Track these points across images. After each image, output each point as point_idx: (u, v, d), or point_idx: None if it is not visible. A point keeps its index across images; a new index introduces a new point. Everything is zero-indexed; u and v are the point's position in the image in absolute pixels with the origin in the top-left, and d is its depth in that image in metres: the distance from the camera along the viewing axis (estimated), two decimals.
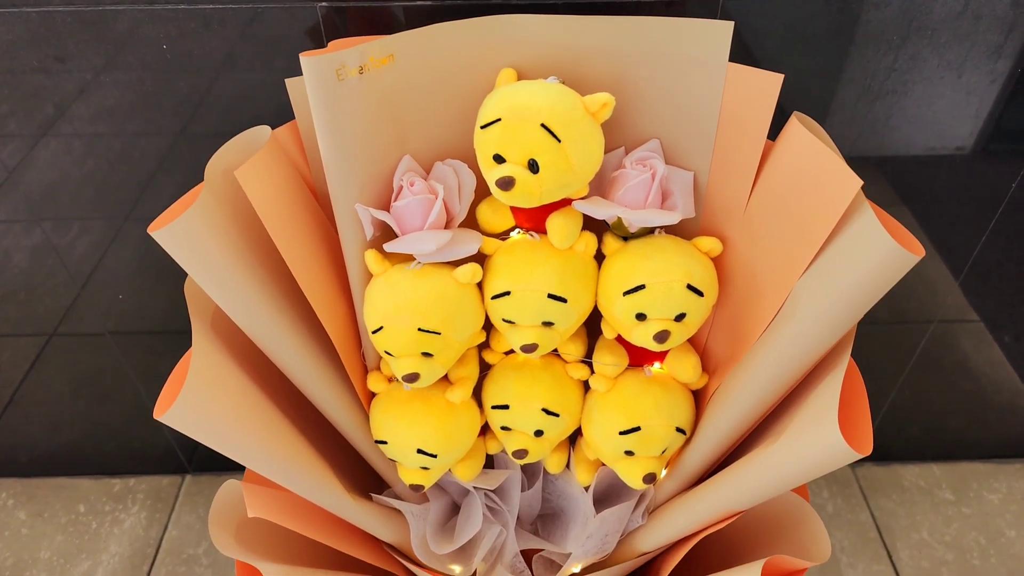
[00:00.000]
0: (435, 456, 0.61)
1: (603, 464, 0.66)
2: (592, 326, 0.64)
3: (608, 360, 0.62)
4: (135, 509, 1.23)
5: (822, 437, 0.48)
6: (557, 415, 0.62)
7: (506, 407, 0.63)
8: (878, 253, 0.46)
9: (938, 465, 1.27)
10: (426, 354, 0.57)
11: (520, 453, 0.63)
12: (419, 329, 0.55)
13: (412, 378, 0.57)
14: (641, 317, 0.56)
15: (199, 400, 0.52)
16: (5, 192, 0.92)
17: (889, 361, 1.19)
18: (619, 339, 0.62)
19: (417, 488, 0.64)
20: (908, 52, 0.77)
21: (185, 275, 0.58)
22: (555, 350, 0.63)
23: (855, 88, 0.80)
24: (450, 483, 0.71)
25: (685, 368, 0.62)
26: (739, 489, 0.56)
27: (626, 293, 0.56)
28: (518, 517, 0.71)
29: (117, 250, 0.99)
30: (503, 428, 0.64)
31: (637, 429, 0.60)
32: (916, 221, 0.98)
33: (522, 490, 0.69)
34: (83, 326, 1.13)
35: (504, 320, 0.58)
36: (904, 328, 1.16)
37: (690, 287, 0.55)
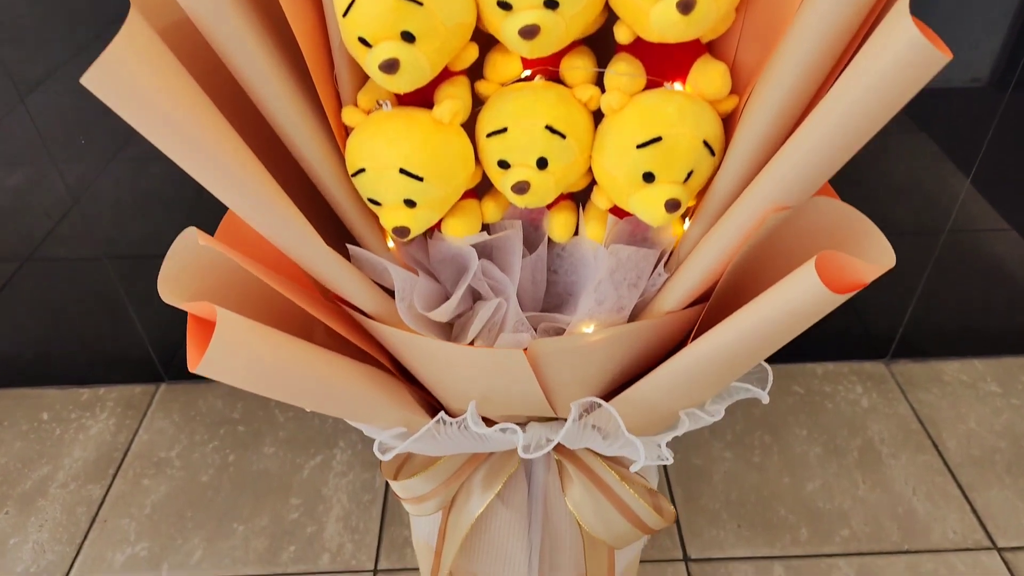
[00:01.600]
0: (421, 180, 0.52)
1: (617, 216, 0.57)
2: (600, 53, 0.55)
3: (623, 69, 0.53)
4: (103, 416, 1.13)
5: (897, 37, 0.39)
6: (563, 136, 0.53)
7: (503, 130, 0.53)
8: None
9: (980, 360, 1.17)
10: (406, 35, 0.48)
11: (521, 187, 0.53)
12: None
13: (391, 66, 0.48)
14: None
15: (127, 60, 0.43)
16: None
17: (914, 264, 1.11)
18: (634, 50, 0.54)
19: (402, 232, 0.54)
20: None
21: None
22: (558, 77, 0.55)
23: None
24: (441, 262, 0.61)
25: (711, 79, 0.53)
26: (788, 168, 0.46)
27: None
28: (521, 299, 0.61)
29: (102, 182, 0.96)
30: (501, 165, 0.54)
31: (658, 140, 0.51)
32: None
33: (524, 258, 0.59)
34: (66, 250, 1.07)
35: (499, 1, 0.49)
36: (929, 238, 1.11)
37: None
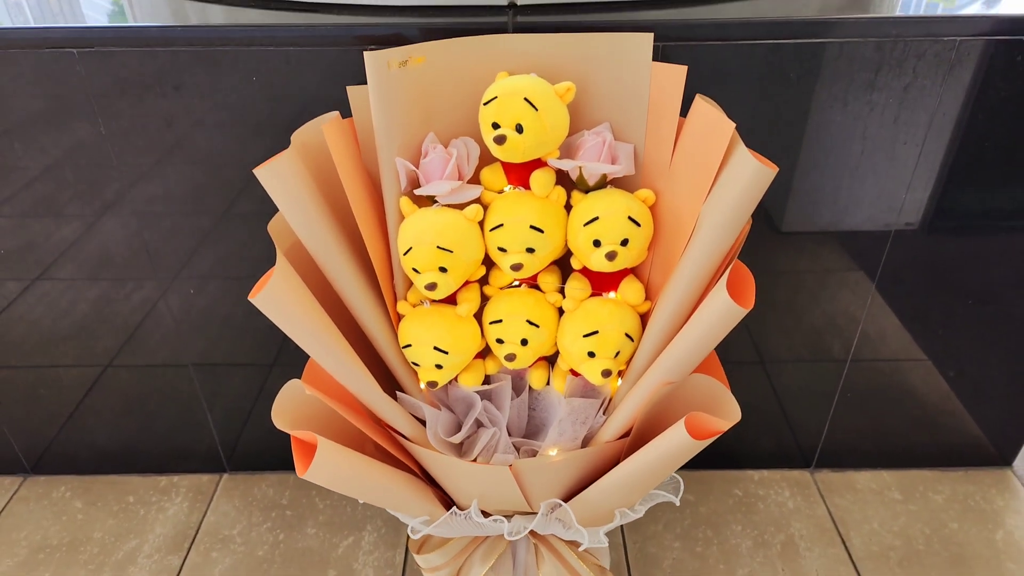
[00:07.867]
0: (447, 353, 0.82)
1: (573, 375, 0.87)
2: (564, 269, 0.86)
3: (576, 286, 0.84)
4: (178, 500, 1.40)
5: (716, 300, 0.69)
6: (538, 326, 0.83)
7: (499, 321, 0.84)
8: (747, 171, 0.69)
9: (888, 472, 1.43)
10: (442, 269, 0.79)
11: (510, 356, 0.83)
12: (437, 247, 0.78)
13: (431, 287, 0.79)
14: (597, 244, 0.79)
15: (281, 292, 0.74)
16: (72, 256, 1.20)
17: (830, 386, 1.37)
18: (584, 272, 0.84)
19: (432, 384, 0.84)
20: None
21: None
22: (536, 285, 0.86)
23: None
24: (456, 401, 0.90)
25: (634, 291, 0.83)
26: (673, 355, 0.76)
27: (585, 224, 0.79)
28: (509, 429, 0.89)
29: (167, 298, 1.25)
30: (498, 341, 0.85)
31: (596, 332, 0.81)
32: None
33: (512, 400, 0.89)
34: (140, 358, 1.35)
35: (499, 248, 0.81)
36: (845, 364, 1.35)
37: (630, 218, 0.78)
